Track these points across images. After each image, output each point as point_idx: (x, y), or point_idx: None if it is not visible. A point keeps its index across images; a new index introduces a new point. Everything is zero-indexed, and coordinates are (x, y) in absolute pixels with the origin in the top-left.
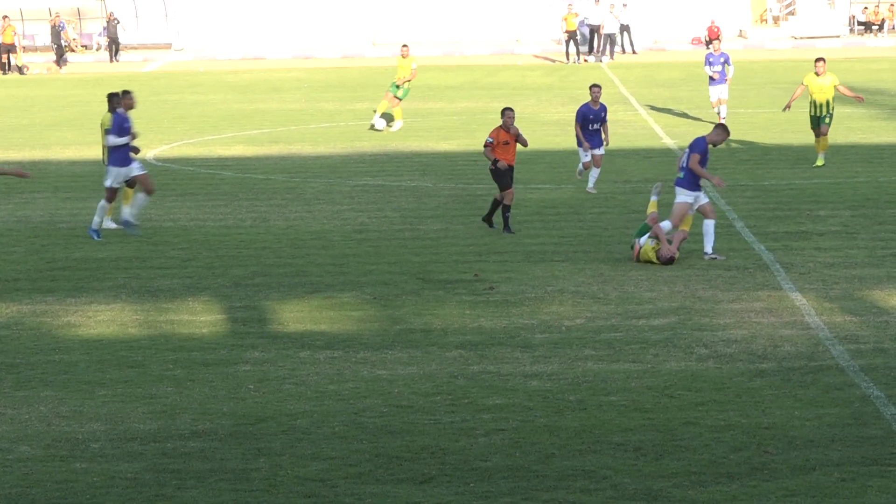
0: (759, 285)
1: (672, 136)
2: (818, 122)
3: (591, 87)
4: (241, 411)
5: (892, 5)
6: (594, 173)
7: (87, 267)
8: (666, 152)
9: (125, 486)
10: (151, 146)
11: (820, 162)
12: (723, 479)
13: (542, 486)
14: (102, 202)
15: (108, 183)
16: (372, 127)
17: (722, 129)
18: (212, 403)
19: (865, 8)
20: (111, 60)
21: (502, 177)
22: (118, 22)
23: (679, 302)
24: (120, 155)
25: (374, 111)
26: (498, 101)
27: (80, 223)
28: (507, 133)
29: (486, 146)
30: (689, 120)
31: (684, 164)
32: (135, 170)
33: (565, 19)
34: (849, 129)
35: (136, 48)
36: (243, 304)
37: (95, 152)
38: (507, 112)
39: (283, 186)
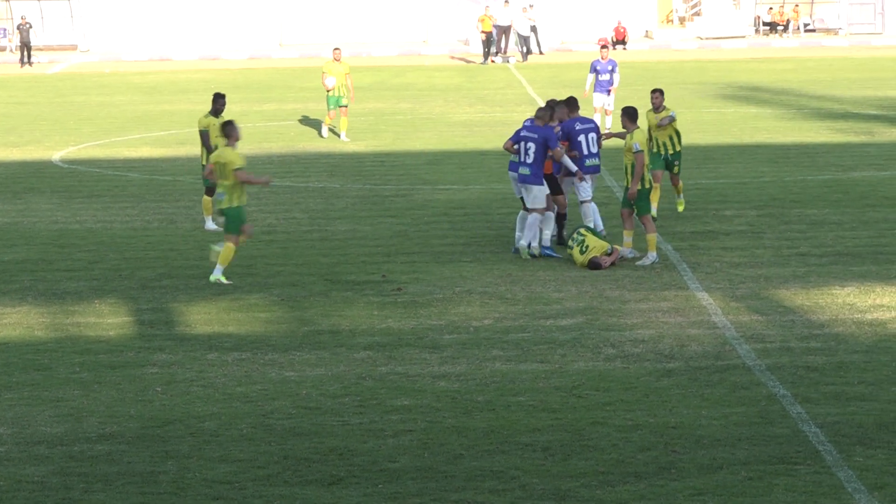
0: (666, 285)
1: None
2: (667, 165)
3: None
4: (149, 414)
5: (796, 6)
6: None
7: None
8: None
9: (32, 489)
10: (57, 148)
11: (680, 206)
12: (630, 478)
13: (450, 487)
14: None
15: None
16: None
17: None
18: (119, 406)
19: (770, 8)
20: (22, 65)
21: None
22: (30, 26)
23: (586, 302)
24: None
25: (331, 128)
26: (405, 101)
27: None
28: None
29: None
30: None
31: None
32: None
33: (482, 20)
34: (754, 128)
35: (41, 49)
36: (150, 306)
37: (12, 154)
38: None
39: (190, 188)
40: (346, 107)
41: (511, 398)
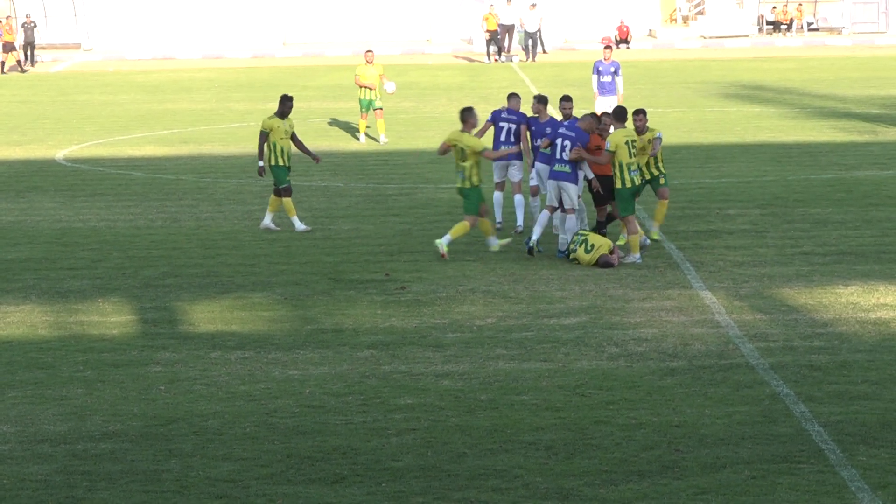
0: (670, 284)
1: None
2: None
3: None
4: (152, 412)
5: (800, 5)
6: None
7: None
8: None
9: (35, 488)
10: (61, 146)
11: (655, 235)
12: (634, 477)
13: (453, 486)
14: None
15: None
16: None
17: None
18: (122, 405)
19: (774, 7)
20: (26, 64)
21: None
22: (35, 25)
23: (590, 301)
24: None
25: (367, 132)
26: (409, 100)
27: None
28: (599, 138)
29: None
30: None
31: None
32: None
33: (486, 19)
34: (757, 127)
35: (45, 48)
36: (154, 304)
37: (15, 153)
38: (602, 117)
39: (193, 187)
40: (381, 109)
41: (514, 397)
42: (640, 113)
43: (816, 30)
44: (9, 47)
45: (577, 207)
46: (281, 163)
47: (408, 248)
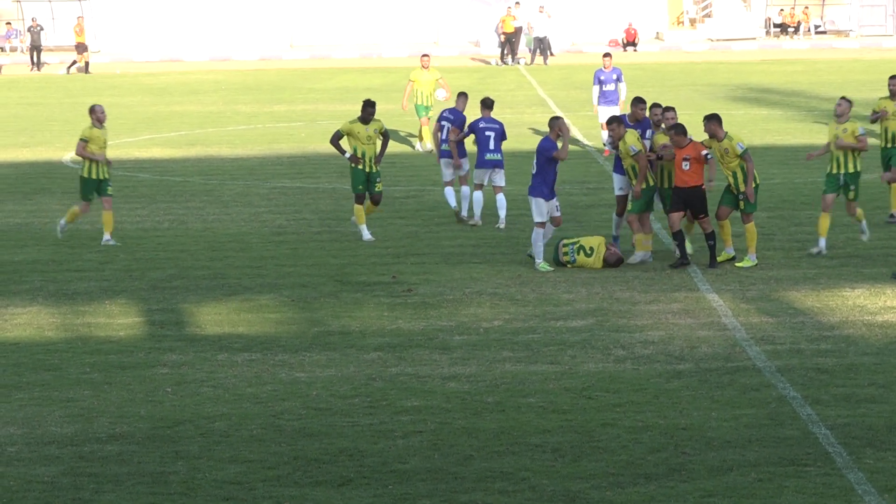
0: (677, 286)
1: (590, 138)
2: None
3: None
4: (159, 414)
5: (807, 7)
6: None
7: (2, 270)
8: (584, 154)
9: (42, 489)
10: (68, 148)
11: (747, 261)
12: (640, 479)
13: (460, 488)
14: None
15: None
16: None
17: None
18: (129, 407)
19: (781, 10)
20: (32, 68)
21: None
22: (41, 29)
23: (597, 303)
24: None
25: (421, 142)
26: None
27: None
28: (679, 149)
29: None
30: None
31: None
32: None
33: (503, 21)
34: (765, 130)
35: (52, 50)
36: (161, 306)
37: (23, 154)
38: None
39: (200, 189)
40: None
41: (521, 399)
42: (711, 119)
43: (824, 32)
44: (82, 48)
45: (544, 219)
46: (360, 166)
47: (415, 251)
